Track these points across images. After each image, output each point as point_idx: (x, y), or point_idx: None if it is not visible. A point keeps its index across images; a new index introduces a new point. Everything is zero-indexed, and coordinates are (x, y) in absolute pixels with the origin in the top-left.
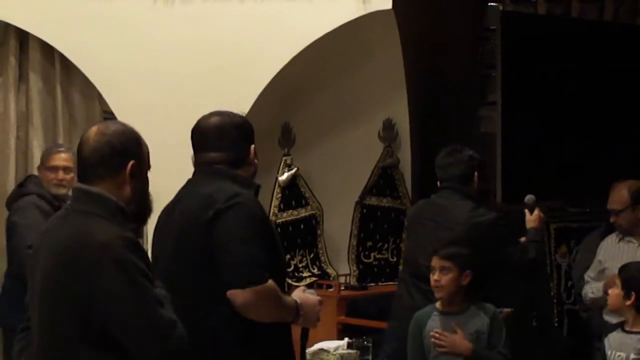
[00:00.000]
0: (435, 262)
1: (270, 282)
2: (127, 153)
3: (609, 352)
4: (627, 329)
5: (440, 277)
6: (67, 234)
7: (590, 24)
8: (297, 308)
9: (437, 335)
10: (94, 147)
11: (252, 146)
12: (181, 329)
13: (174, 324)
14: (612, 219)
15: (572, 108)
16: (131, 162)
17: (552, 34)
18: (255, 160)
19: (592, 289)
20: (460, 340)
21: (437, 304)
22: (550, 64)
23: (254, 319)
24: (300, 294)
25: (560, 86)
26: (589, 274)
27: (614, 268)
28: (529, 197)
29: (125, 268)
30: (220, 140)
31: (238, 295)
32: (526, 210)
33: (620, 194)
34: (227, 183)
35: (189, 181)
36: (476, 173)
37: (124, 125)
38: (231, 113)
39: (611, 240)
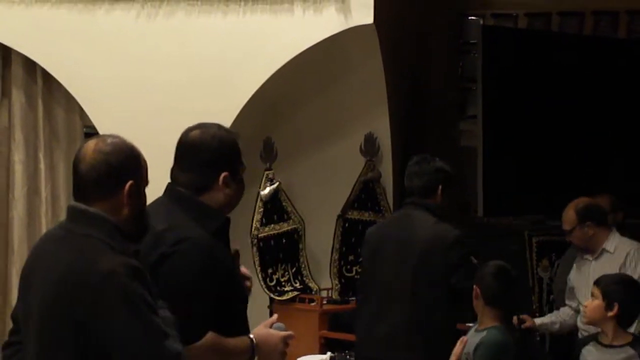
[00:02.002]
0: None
1: (209, 336)
2: (125, 172)
3: None
4: (605, 342)
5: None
6: (67, 260)
7: (571, 37)
8: (252, 349)
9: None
10: (91, 164)
11: (224, 174)
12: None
13: (177, 356)
14: (567, 239)
15: (553, 122)
16: (129, 183)
17: (532, 47)
18: (227, 190)
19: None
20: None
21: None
22: (530, 77)
23: None
24: (261, 331)
25: (541, 100)
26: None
27: (579, 286)
28: None
29: (130, 300)
30: (190, 160)
31: None
32: None
33: (568, 214)
34: (182, 215)
35: (155, 202)
36: (440, 186)
37: (122, 141)
38: (216, 130)
39: (577, 258)
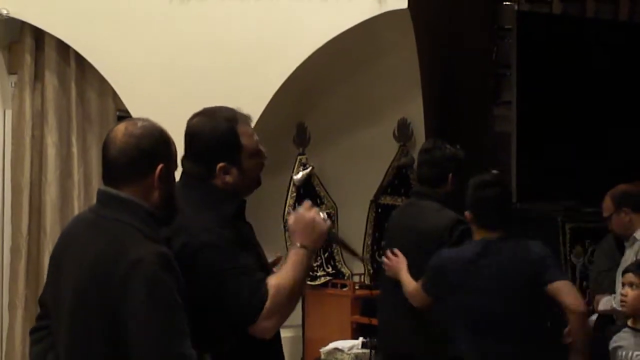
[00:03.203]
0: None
1: (269, 289)
2: (156, 156)
3: (623, 353)
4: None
5: (627, 292)
6: (98, 245)
7: (606, 23)
8: (304, 248)
9: None
10: (121, 148)
11: (220, 164)
12: None
13: (190, 357)
14: (608, 227)
15: (588, 108)
16: (160, 166)
17: (567, 33)
18: (227, 178)
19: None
20: None
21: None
22: (565, 63)
23: None
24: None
25: (575, 86)
26: None
27: (617, 273)
28: None
29: (154, 289)
30: (190, 148)
31: None
32: None
33: (605, 202)
34: (196, 202)
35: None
36: (451, 174)
37: (152, 124)
38: (212, 117)
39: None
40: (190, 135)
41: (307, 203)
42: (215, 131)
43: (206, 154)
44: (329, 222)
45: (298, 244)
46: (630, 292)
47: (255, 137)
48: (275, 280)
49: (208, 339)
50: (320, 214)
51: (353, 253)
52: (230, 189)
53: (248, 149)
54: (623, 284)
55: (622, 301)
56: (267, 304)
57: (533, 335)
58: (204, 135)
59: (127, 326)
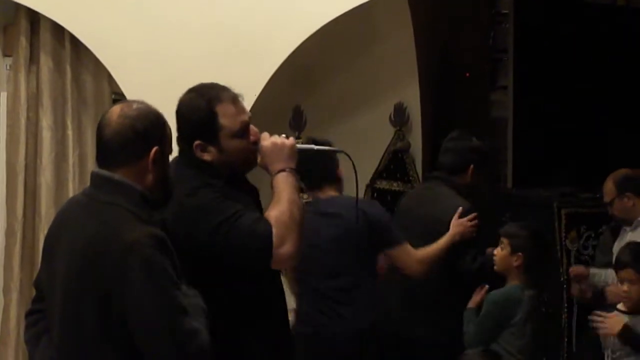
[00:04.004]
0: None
1: (268, 220)
2: (150, 138)
3: (611, 337)
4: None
5: (497, 251)
6: (92, 228)
7: (603, 8)
8: (286, 172)
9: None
10: (116, 130)
11: (196, 142)
12: (202, 339)
13: (194, 333)
14: (609, 212)
15: (584, 93)
16: (155, 149)
17: (564, 18)
18: (206, 155)
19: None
20: (473, 299)
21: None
22: (562, 48)
23: None
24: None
25: (572, 71)
26: None
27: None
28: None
29: (151, 271)
30: (177, 125)
31: None
32: None
33: (607, 186)
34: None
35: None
36: (472, 166)
37: (147, 106)
38: (189, 96)
39: (622, 230)
40: (176, 111)
41: (264, 134)
42: (193, 109)
43: (185, 131)
44: (291, 139)
45: (275, 172)
46: (630, 288)
47: (241, 118)
48: (272, 212)
49: (231, 291)
50: (278, 135)
51: (333, 151)
52: (216, 166)
53: (228, 129)
54: (622, 280)
55: (624, 298)
56: (275, 231)
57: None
58: (184, 112)
59: (124, 309)
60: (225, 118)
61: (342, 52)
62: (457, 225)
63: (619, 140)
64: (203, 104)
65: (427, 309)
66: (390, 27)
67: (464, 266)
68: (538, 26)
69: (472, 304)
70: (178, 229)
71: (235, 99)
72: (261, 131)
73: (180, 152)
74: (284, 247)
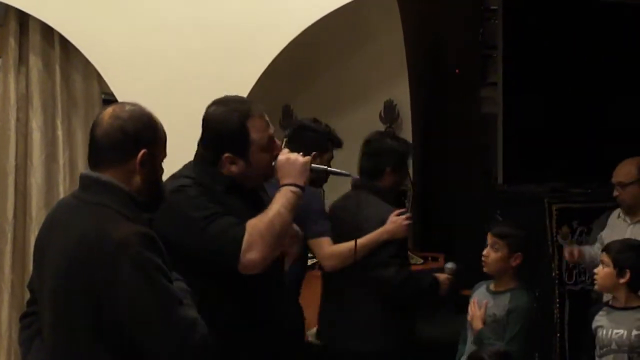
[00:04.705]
0: (489, 237)
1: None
2: (140, 140)
3: (602, 332)
4: (618, 306)
5: (489, 253)
6: (80, 229)
7: (592, 3)
8: (293, 187)
9: (471, 304)
10: (106, 130)
11: (226, 155)
12: (202, 327)
13: (194, 322)
14: (615, 193)
15: (574, 89)
16: (143, 151)
17: (553, 14)
18: (232, 168)
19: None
20: (477, 318)
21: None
22: (551, 44)
23: None
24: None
25: (562, 67)
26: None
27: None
28: (450, 265)
29: (143, 267)
30: (202, 134)
31: None
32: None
33: (628, 167)
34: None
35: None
36: (389, 168)
37: (141, 108)
38: (225, 108)
39: (614, 214)
40: (205, 122)
41: (284, 150)
42: (226, 123)
43: (215, 143)
44: (306, 158)
45: (281, 185)
46: (600, 271)
47: (269, 132)
48: (253, 219)
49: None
50: (294, 154)
51: (340, 174)
52: (235, 177)
53: (258, 144)
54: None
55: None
56: (246, 237)
57: None
58: (215, 125)
59: (117, 308)
60: (256, 133)
61: (331, 50)
62: (391, 222)
63: (609, 136)
64: (236, 119)
65: (354, 321)
66: (380, 24)
67: (385, 276)
68: (527, 22)
69: (480, 323)
70: (161, 224)
71: (262, 114)
72: None
73: (197, 156)
74: (250, 253)
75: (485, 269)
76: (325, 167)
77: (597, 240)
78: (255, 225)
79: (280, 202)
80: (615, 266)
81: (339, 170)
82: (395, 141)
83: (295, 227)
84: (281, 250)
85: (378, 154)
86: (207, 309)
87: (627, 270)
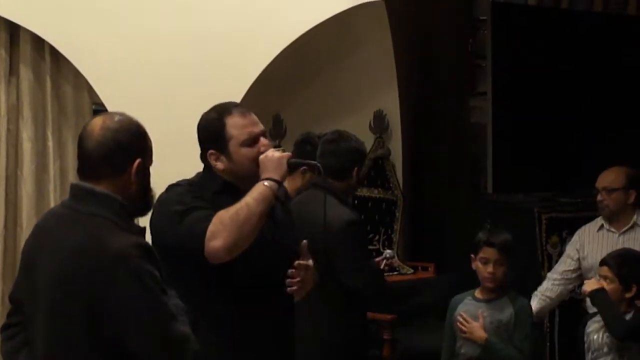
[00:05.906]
0: (495, 253)
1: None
2: (132, 150)
3: (594, 337)
4: None
5: (495, 270)
6: (75, 239)
7: (581, 14)
8: (268, 182)
9: (461, 319)
10: (98, 142)
11: (210, 151)
12: (194, 343)
13: (187, 338)
14: (599, 198)
15: (563, 98)
16: (138, 160)
17: (542, 24)
18: (218, 164)
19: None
20: (478, 328)
21: (476, 291)
22: (540, 54)
23: None
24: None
25: (551, 77)
26: (558, 270)
27: (596, 259)
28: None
29: (141, 280)
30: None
31: None
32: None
33: (616, 173)
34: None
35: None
36: (356, 168)
37: (129, 118)
38: (210, 110)
39: (589, 229)
40: (197, 127)
41: (270, 149)
42: (207, 122)
43: (200, 141)
44: (284, 154)
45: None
46: (605, 286)
47: (251, 128)
48: (222, 210)
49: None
50: (274, 149)
51: (310, 165)
52: (227, 176)
53: (237, 139)
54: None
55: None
56: (210, 226)
57: None
58: (199, 124)
59: (113, 318)
60: (234, 128)
61: (321, 61)
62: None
63: (598, 146)
64: (213, 116)
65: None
66: (369, 35)
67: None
68: (516, 32)
69: (483, 332)
70: (151, 222)
71: (244, 113)
72: None
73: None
74: (213, 242)
75: (489, 284)
76: (302, 160)
77: (572, 252)
78: (221, 216)
79: (251, 194)
80: (620, 282)
81: (308, 162)
82: (357, 141)
83: (309, 260)
84: (250, 240)
85: (346, 153)
86: (192, 309)
87: (634, 285)
